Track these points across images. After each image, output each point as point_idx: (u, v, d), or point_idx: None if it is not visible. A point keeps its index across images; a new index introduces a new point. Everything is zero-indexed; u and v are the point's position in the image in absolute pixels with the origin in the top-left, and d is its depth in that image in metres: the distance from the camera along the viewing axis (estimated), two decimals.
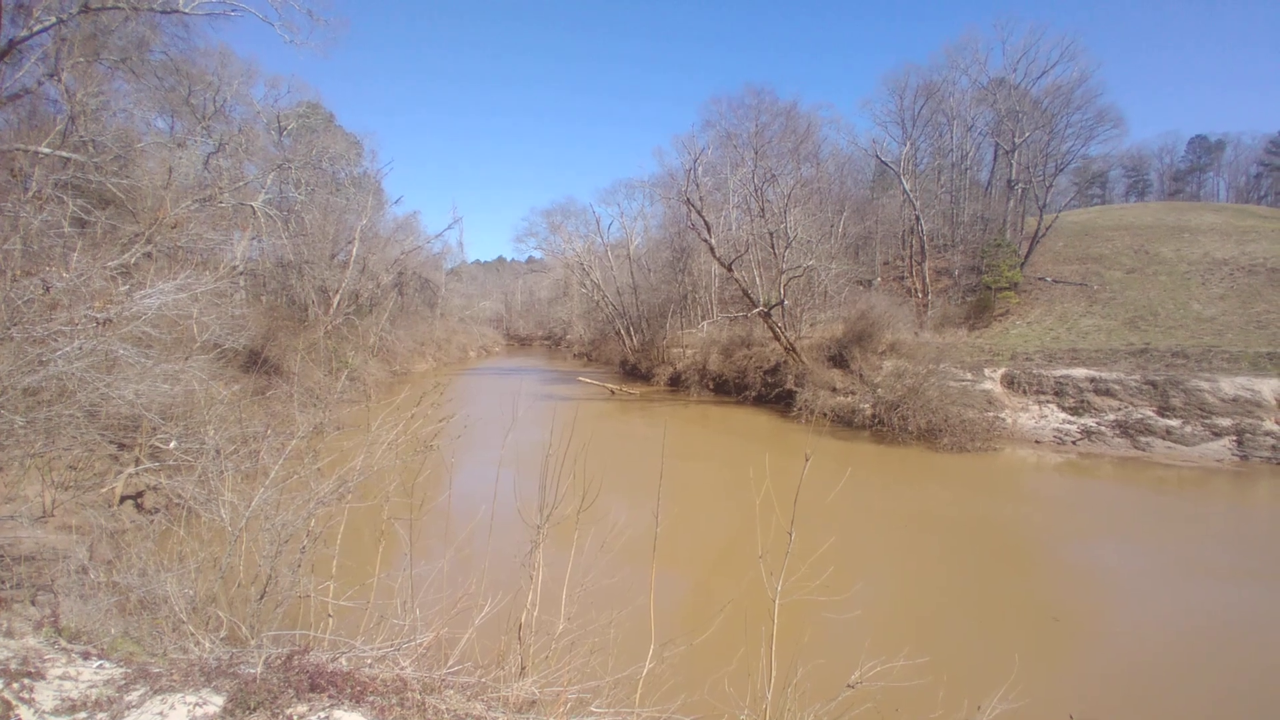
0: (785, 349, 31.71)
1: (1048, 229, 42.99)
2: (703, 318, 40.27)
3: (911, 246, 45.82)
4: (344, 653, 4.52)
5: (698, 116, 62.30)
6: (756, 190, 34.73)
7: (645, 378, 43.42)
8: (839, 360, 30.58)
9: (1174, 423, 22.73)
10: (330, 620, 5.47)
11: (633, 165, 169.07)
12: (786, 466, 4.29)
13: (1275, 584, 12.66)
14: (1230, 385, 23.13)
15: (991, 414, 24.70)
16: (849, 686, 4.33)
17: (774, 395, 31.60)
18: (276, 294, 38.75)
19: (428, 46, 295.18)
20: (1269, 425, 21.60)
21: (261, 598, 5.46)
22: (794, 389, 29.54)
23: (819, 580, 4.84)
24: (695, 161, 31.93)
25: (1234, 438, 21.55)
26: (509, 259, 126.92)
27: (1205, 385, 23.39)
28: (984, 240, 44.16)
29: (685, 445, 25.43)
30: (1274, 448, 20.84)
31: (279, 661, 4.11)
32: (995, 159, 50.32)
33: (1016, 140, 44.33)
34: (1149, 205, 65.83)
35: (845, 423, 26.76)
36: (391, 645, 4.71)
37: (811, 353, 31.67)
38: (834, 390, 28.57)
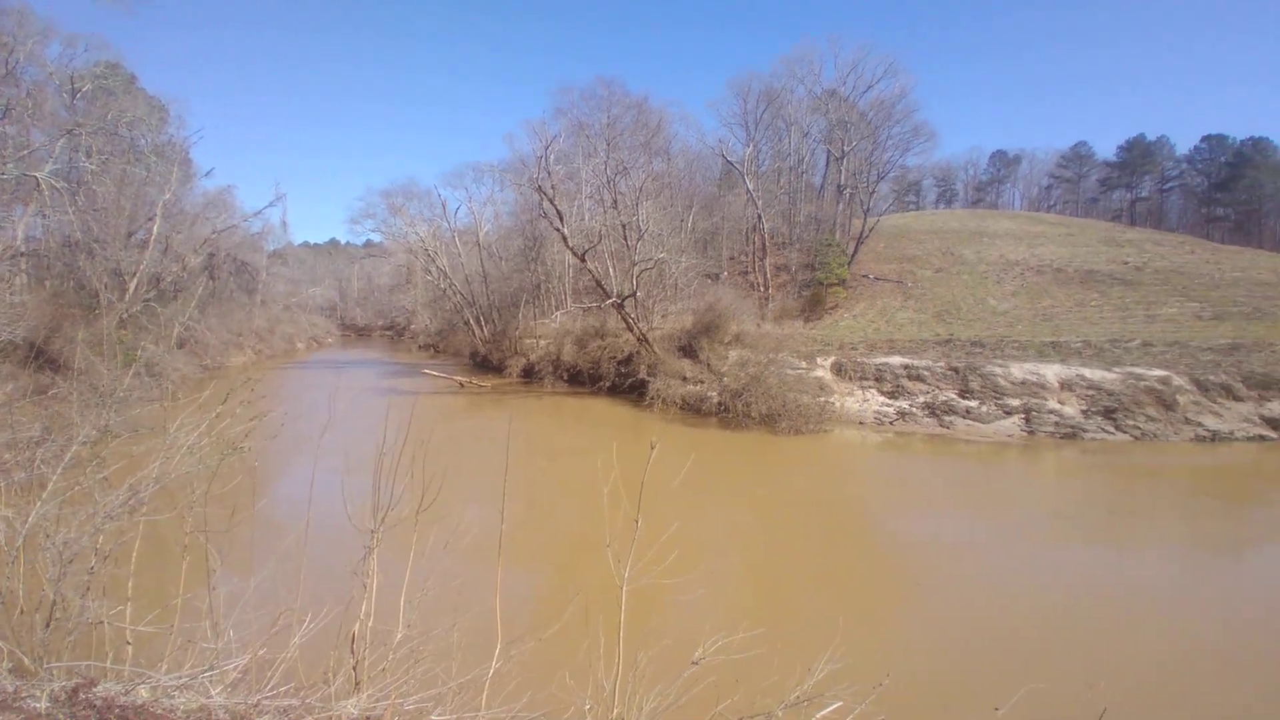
0: (638, 340, 32.22)
1: (870, 231, 47.23)
2: (556, 308, 39.91)
3: (754, 243, 48.39)
4: (142, 682, 3.92)
5: (549, 103, 61.67)
6: (609, 181, 34.91)
7: (497, 369, 42.25)
8: (689, 350, 31.57)
9: (973, 403, 25.81)
10: (129, 648, 4.68)
11: (481, 149, 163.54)
12: (638, 455, 4.20)
13: (1063, 544, 14.72)
14: (1020, 370, 26.68)
15: (823, 399, 26.60)
16: (693, 663, 4.32)
17: (627, 385, 32.01)
18: (63, 278, 33.36)
19: (253, 14, 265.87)
20: (1052, 404, 25.17)
21: (48, 625, 4.56)
22: (647, 379, 30.09)
23: (665, 564, 4.82)
24: (547, 149, 31.41)
25: (1023, 416, 24.86)
26: (343, 242, 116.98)
27: (999, 371, 26.80)
28: (817, 240, 47.64)
29: (539, 437, 25.05)
30: (1056, 424, 24.27)
31: (64, 695, 3.47)
32: (827, 165, 54.42)
33: (845, 148, 48.20)
34: (955, 212, 74.53)
35: (695, 410, 27.67)
36: (199, 672, 4.09)
37: (663, 343, 32.43)
38: (684, 379, 29.45)
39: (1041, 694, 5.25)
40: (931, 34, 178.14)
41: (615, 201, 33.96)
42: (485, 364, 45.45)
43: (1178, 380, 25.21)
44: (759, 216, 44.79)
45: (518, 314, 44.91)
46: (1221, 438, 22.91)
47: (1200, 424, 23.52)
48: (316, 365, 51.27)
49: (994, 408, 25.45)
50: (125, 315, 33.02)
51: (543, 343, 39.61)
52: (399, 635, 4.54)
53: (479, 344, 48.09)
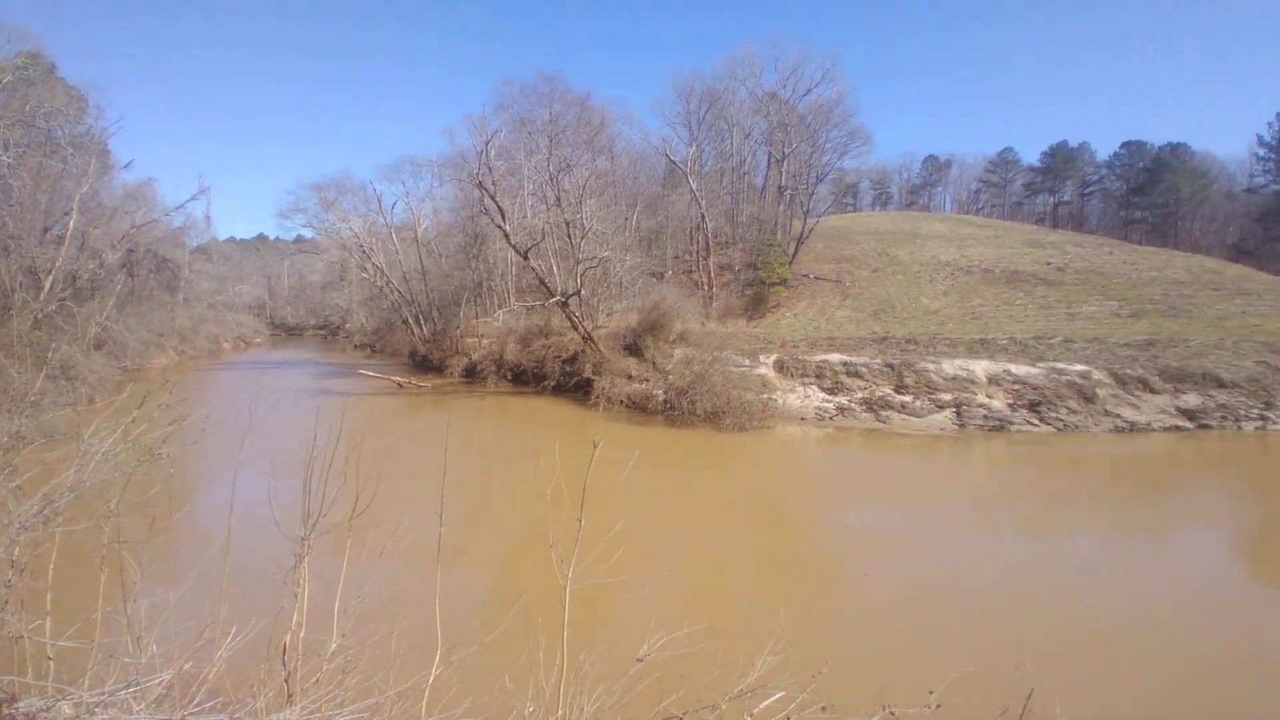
0: (583, 338, 32.07)
1: (810, 232, 48.32)
2: (499, 306, 39.25)
3: (698, 242, 48.83)
4: (65, 699, 3.73)
5: (490, 98, 60.25)
6: (552, 179, 34.61)
7: (438, 369, 41.30)
8: (634, 349, 31.60)
9: (908, 399, 26.68)
10: (51, 664, 4.42)
11: (419, 142, 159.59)
12: (584, 454, 4.18)
13: (994, 532, 15.36)
14: (951, 366, 27.72)
15: (766, 396, 27.01)
16: (638, 661, 4.30)
17: (573, 384, 31.81)
18: None
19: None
20: (981, 399, 26.23)
21: None
22: (592, 377, 29.97)
23: (610, 563, 4.84)
24: (487, 144, 30.80)
25: (954, 410, 25.82)
26: (272, 237, 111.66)
27: (931, 367, 27.79)
28: (759, 239, 48.45)
29: (482, 438, 24.65)
30: (985, 417, 25.30)
31: None
32: (768, 166, 55.41)
33: (786, 150, 49.15)
34: (890, 214, 77.03)
35: (640, 409, 27.71)
36: (121, 688, 3.88)
37: (608, 342, 32.36)
38: (630, 378, 29.46)
39: (972, 677, 5.42)
40: (868, 42, 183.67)
41: (558, 199, 33.70)
42: (425, 364, 44.41)
43: (1097, 375, 26.67)
44: (703, 216, 45.21)
45: (459, 312, 43.99)
46: (1139, 429, 24.30)
47: (1119, 416, 24.92)
48: (244, 366, 49.10)
49: (927, 402, 26.36)
50: (40, 315, 30.93)
51: (485, 342, 38.95)
52: (333, 645, 4.38)
53: (418, 343, 46.94)
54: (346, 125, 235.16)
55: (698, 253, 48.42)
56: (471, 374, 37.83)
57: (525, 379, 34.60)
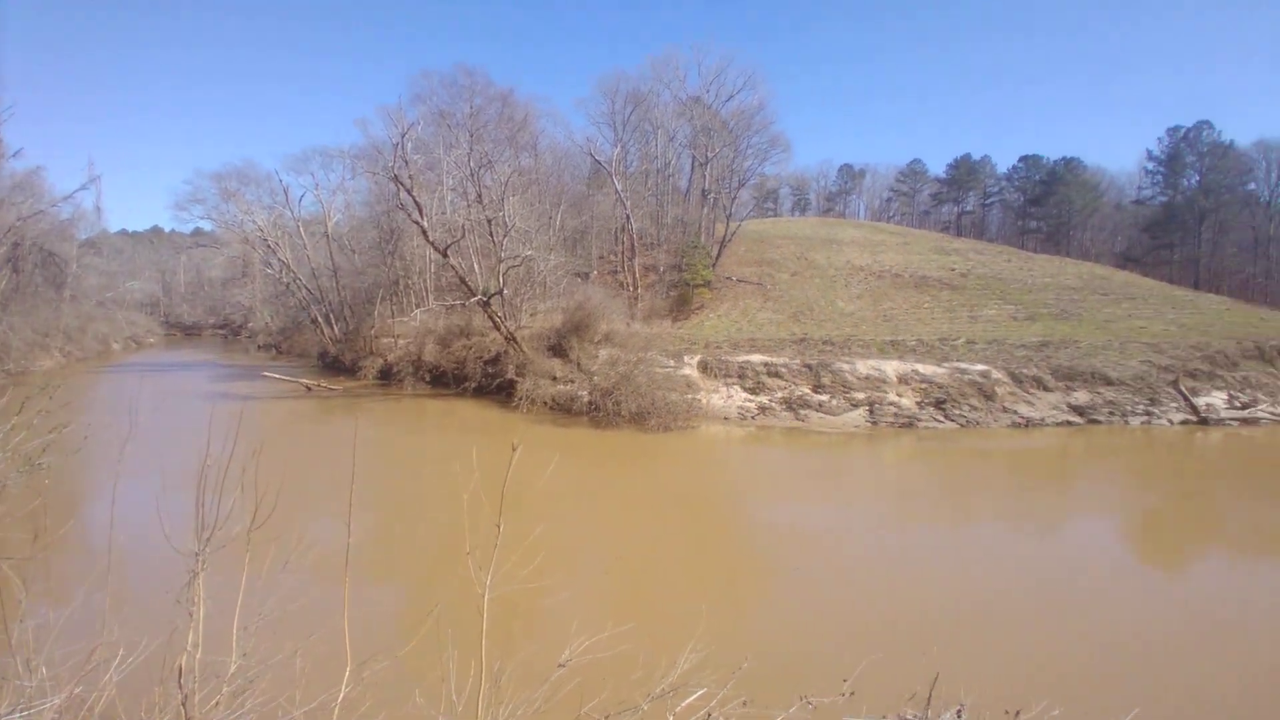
0: (505, 339, 31.49)
1: (733, 235, 49.28)
2: (417, 305, 37.99)
3: (623, 243, 48.89)
4: None
5: (406, 89, 57.74)
6: (473, 174, 33.83)
7: (350, 371, 39.56)
8: (558, 350, 31.30)
9: (825, 398, 27.60)
10: None
11: (330, 133, 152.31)
12: (505, 458, 4.05)
13: (904, 523, 16.01)
14: (864, 366, 28.87)
15: (691, 396, 27.34)
16: (560, 666, 4.23)
17: (495, 386, 31.19)
18: None
19: None
20: (892, 397, 27.42)
21: None
22: (515, 379, 29.48)
23: (530, 568, 4.73)
24: (403, 136, 29.74)
25: (868, 408, 26.88)
26: (168, 230, 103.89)
27: (846, 367, 28.85)
28: (683, 242, 49.01)
29: (398, 443, 23.80)
30: (895, 414, 26.44)
31: None
32: (692, 169, 56.12)
33: (709, 154, 49.90)
34: (808, 220, 79.50)
35: (565, 410, 27.47)
36: (9, 713, 3.61)
37: (532, 342, 31.93)
38: (554, 379, 29.15)
39: (882, 665, 5.59)
40: (788, 50, 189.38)
41: (480, 195, 33.00)
42: (336, 365, 42.43)
43: (996, 374, 28.40)
44: (628, 217, 45.31)
45: (373, 311, 42.24)
46: (1034, 424, 26.02)
47: (1016, 412, 26.61)
48: (135, 368, 45.52)
49: (843, 401, 27.35)
50: None
51: (402, 342, 37.64)
52: (233, 665, 4.06)
53: (329, 344, 44.81)
54: (251, 113, 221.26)
55: (623, 253, 48.50)
56: (387, 376, 36.48)
57: (445, 381, 33.65)
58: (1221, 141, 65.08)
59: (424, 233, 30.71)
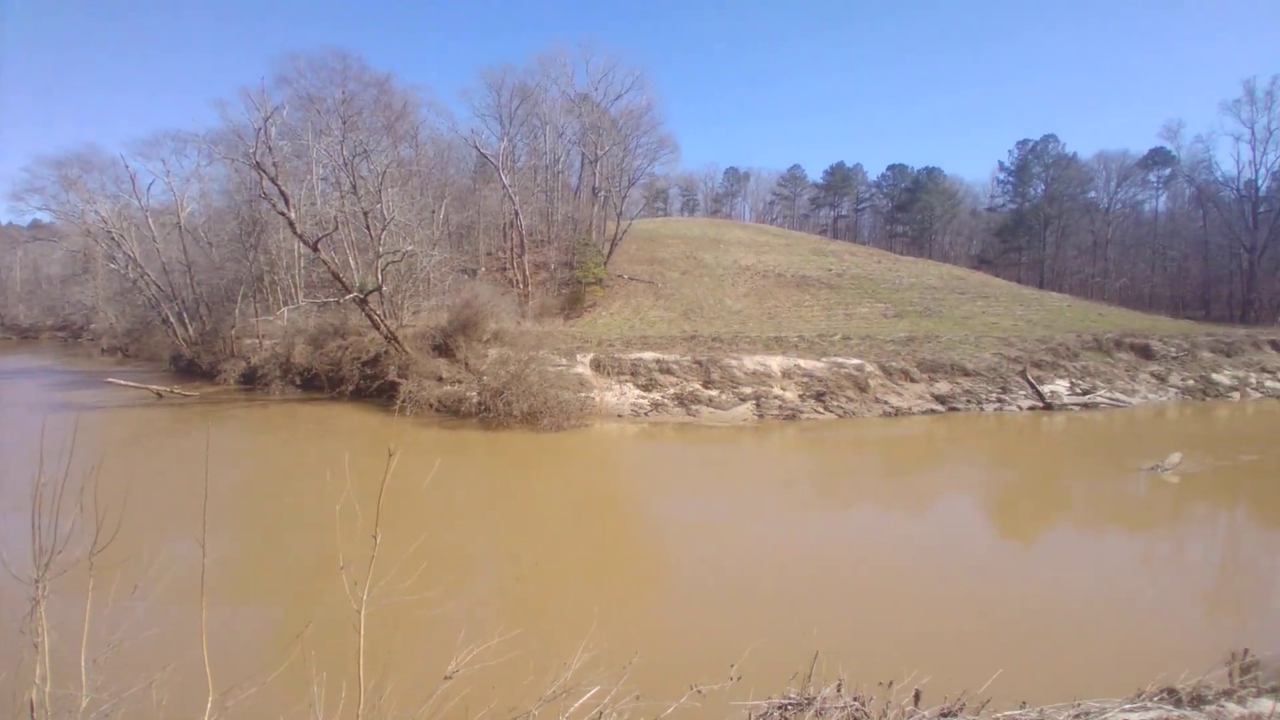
0: (386, 338, 29.77)
1: (624, 234, 49.46)
2: (284, 303, 35.19)
3: (512, 239, 47.77)
4: None
5: (271, 70, 53.50)
6: (346, 164, 31.69)
7: (208, 375, 36.01)
8: (444, 349, 30.00)
9: (715, 393, 28.11)
10: None
11: (184, 115, 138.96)
12: (385, 465, 3.67)
13: (791, 510, 16.41)
14: (751, 362, 29.67)
15: (584, 394, 27.00)
16: (445, 679, 3.97)
17: (375, 388, 29.42)
18: None
19: None
20: (776, 391, 28.33)
21: None
22: (398, 380, 27.90)
23: (411, 579, 4.46)
24: (267, 120, 27.35)
25: (755, 402, 27.62)
26: (4, 222, 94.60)
27: (734, 363, 29.54)
28: (575, 239, 48.62)
29: (266, 453, 21.87)
30: (780, 407, 27.32)
31: None
32: (582, 167, 55.86)
33: (599, 152, 49.79)
34: (697, 220, 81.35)
35: (453, 412, 26.34)
36: None
37: (415, 342, 30.39)
38: (440, 380, 27.89)
39: (767, 648, 5.61)
40: (676, 53, 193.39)
41: (354, 186, 31.00)
42: (192, 370, 38.50)
43: (869, 367, 30.05)
44: (516, 213, 44.29)
45: (234, 310, 38.66)
46: (903, 413, 27.74)
47: (887, 402, 28.26)
48: None
49: (732, 396, 27.97)
50: None
51: (268, 343, 34.76)
52: (84, 700, 3.67)
53: (183, 346, 40.57)
54: (96, 93, 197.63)
55: (512, 250, 47.38)
56: (251, 380, 33.58)
57: (318, 384, 31.36)
58: (1065, 154, 72.96)
59: (291, 225, 28.44)
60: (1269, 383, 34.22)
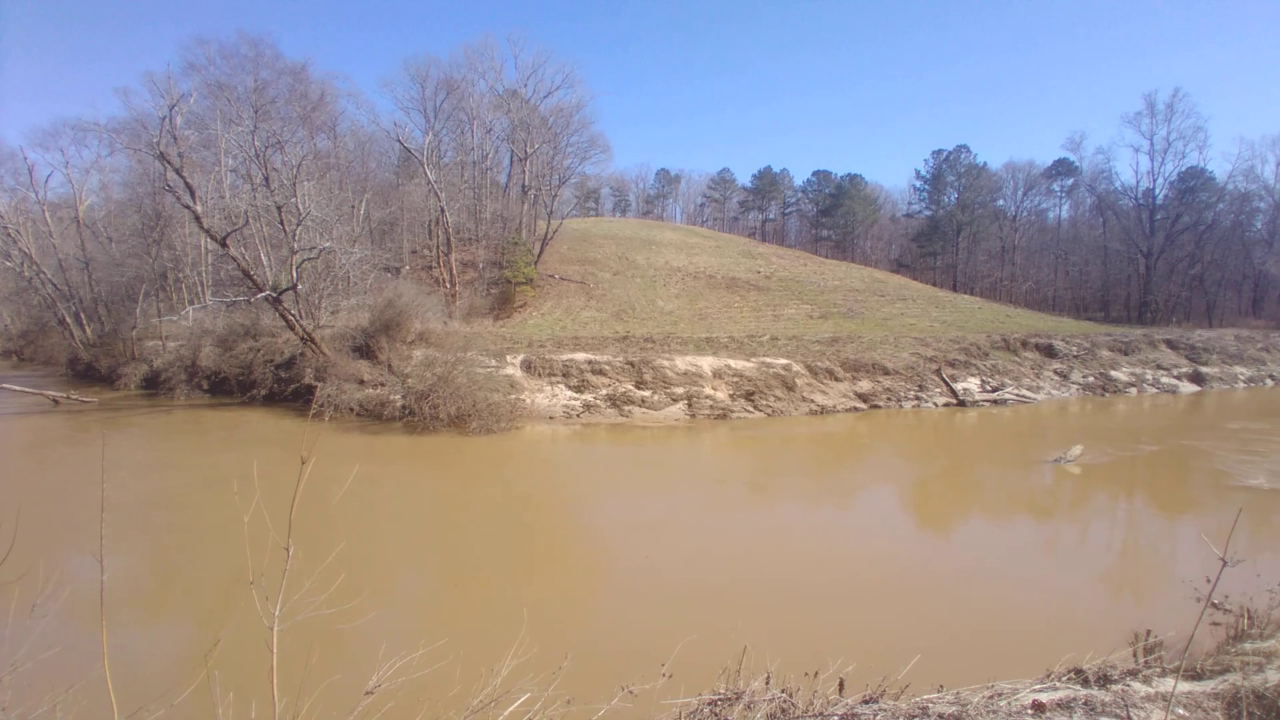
0: (302, 339, 28.36)
1: (555, 233, 49.03)
2: (190, 302, 33.09)
3: (438, 237, 46.52)
4: None
5: (178, 57, 50.32)
6: (259, 155, 30.03)
7: (108, 380, 33.52)
8: (366, 351, 28.86)
9: (647, 393, 28.15)
10: None
11: (83, 103, 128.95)
12: (311, 473, 3.43)
13: (723, 507, 16.53)
14: (683, 362, 29.87)
15: (514, 396, 26.53)
16: (367, 693, 3.83)
17: (290, 392, 28.01)
18: None
19: None
20: (708, 391, 28.62)
21: None
22: (315, 383, 26.65)
23: (329, 592, 4.28)
24: (172, 109, 25.64)
25: (686, 402, 27.83)
26: None
27: (666, 363, 29.67)
28: (504, 238, 47.81)
29: (172, 462, 20.41)
30: (711, 407, 27.63)
31: None
32: (511, 164, 54.98)
33: (528, 150, 49.15)
34: (629, 221, 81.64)
35: (375, 416, 25.33)
36: None
37: (334, 343, 29.09)
38: (361, 383, 26.79)
39: (697, 644, 5.59)
40: (606, 52, 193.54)
41: (267, 179, 29.38)
42: (91, 374, 35.78)
43: (796, 367, 30.79)
44: (442, 209, 43.08)
45: (136, 310, 36.13)
46: (828, 410, 28.56)
47: (813, 400, 29.01)
48: None
49: (664, 396, 28.09)
50: None
51: (172, 345, 32.59)
52: None
53: (81, 349, 37.66)
54: None
55: (438, 248, 46.11)
56: (154, 384, 31.42)
57: (227, 388, 29.59)
58: (976, 164, 76.99)
59: (197, 219, 26.68)
60: (1164, 379, 37.20)
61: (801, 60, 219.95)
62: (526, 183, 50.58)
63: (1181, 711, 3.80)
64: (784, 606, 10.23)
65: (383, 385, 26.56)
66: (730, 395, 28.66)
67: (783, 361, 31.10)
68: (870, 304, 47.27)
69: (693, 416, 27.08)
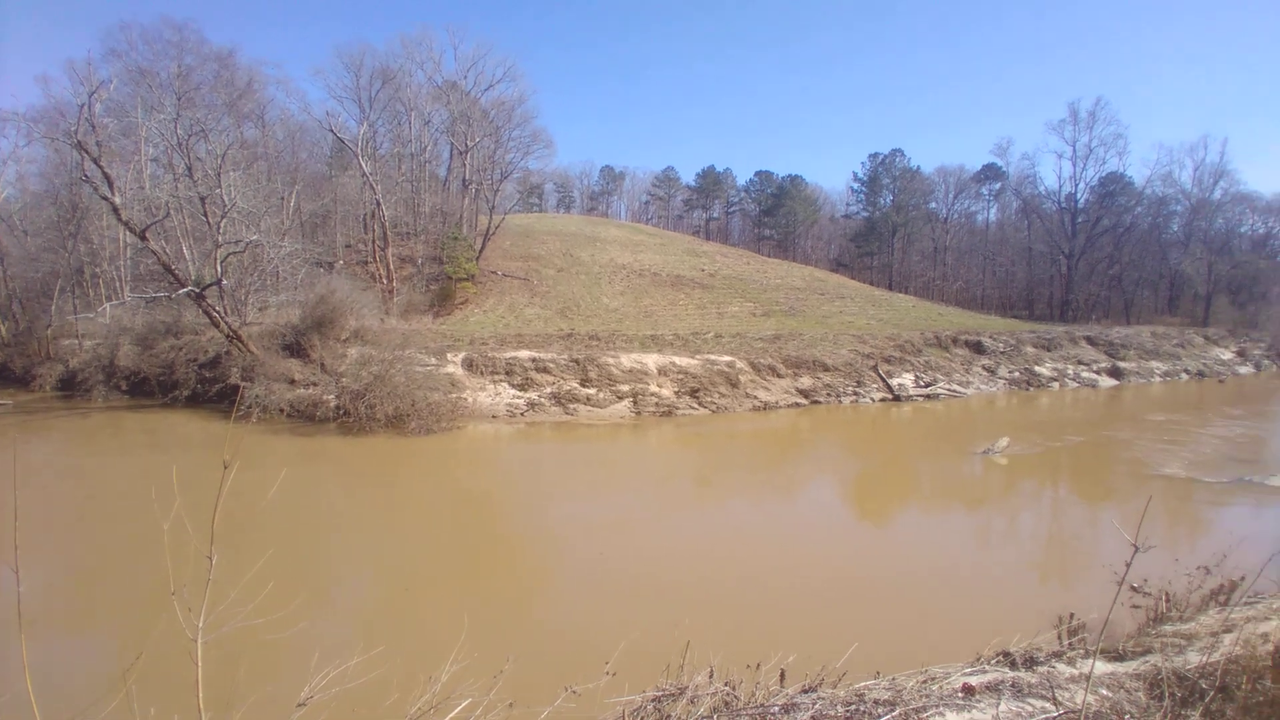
0: (227, 337, 27.05)
1: (497, 228, 48.29)
2: (108, 298, 31.19)
3: (374, 231, 45.12)
4: None
5: (99, 43, 47.29)
6: (181, 144, 28.47)
7: (21, 381, 31.32)
8: (297, 349, 27.75)
9: (593, 391, 28.04)
10: None
11: (1, 92, 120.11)
12: (237, 477, 3.25)
13: (670, 504, 16.59)
14: (628, 360, 29.87)
15: (455, 395, 25.99)
16: (299, 705, 3.70)
17: (215, 393, 26.71)
18: None
19: None
20: (653, 388, 28.71)
21: None
22: (242, 383, 25.47)
23: (256, 602, 4.22)
24: (92, 96, 24.08)
25: (632, 399, 27.85)
26: None
27: (612, 361, 29.62)
28: (444, 233, 46.78)
29: (88, 468, 19.20)
30: (656, 404, 27.73)
31: None
32: (451, 157, 53.83)
33: (469, 143, 48.22)
34: (573, 217, 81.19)
35: (307, 417, 24.39)
36: None
37: (262, 341, 27.86)
38: (292, 382, 25.75)
39: (640, 642, 5.60)
40: (549, 47, 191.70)
41: (190, 168, 27.91)
42: (5, 374, 33.33)
43: (740, 364, 31.23)
44: (378, 202, 41.77)
45: (51, 307, 33.91)
46: (771, 406, 29.06)
47: (756, 397, 29.48)
48: None
49: (609, 394, 28.04)
50: None
51: (89, 343, 30.66)
52: None
53: None
54: None
55: (374, 243, 44.71)
56: (70, 385, 29.49)
57: (148, 389, 28.00)
58: (910, 167, 79.65)
59: (115, 210, 25.11)
60: (1084, 374, 39.40)
61: (741, 59, 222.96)
62: (467, 177, 49.62)
63: (1105, 692, 3.99)
64: (728, 601, 10.33)
65: (315, 385, 25.60)
66: (675, 392, 28.84)
67: (727, 358, 31.48)
68: (811, 302, 48.35)
69: (638, 414, 27.13)
